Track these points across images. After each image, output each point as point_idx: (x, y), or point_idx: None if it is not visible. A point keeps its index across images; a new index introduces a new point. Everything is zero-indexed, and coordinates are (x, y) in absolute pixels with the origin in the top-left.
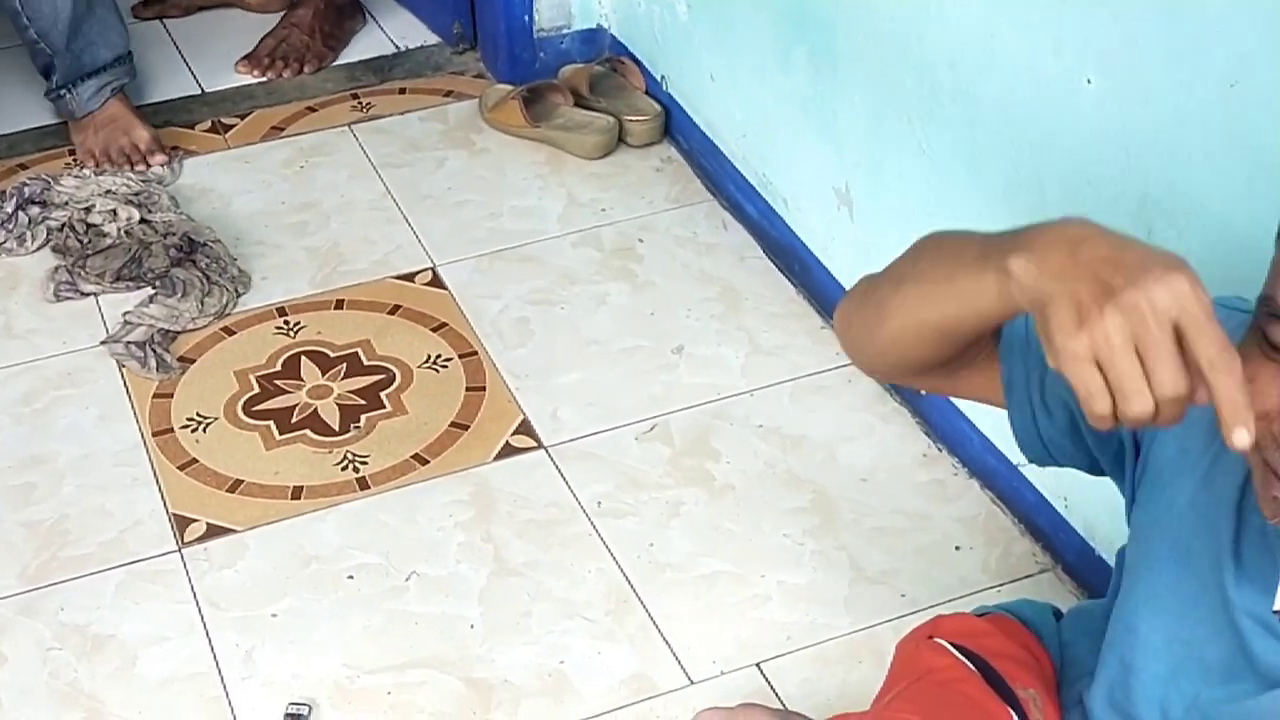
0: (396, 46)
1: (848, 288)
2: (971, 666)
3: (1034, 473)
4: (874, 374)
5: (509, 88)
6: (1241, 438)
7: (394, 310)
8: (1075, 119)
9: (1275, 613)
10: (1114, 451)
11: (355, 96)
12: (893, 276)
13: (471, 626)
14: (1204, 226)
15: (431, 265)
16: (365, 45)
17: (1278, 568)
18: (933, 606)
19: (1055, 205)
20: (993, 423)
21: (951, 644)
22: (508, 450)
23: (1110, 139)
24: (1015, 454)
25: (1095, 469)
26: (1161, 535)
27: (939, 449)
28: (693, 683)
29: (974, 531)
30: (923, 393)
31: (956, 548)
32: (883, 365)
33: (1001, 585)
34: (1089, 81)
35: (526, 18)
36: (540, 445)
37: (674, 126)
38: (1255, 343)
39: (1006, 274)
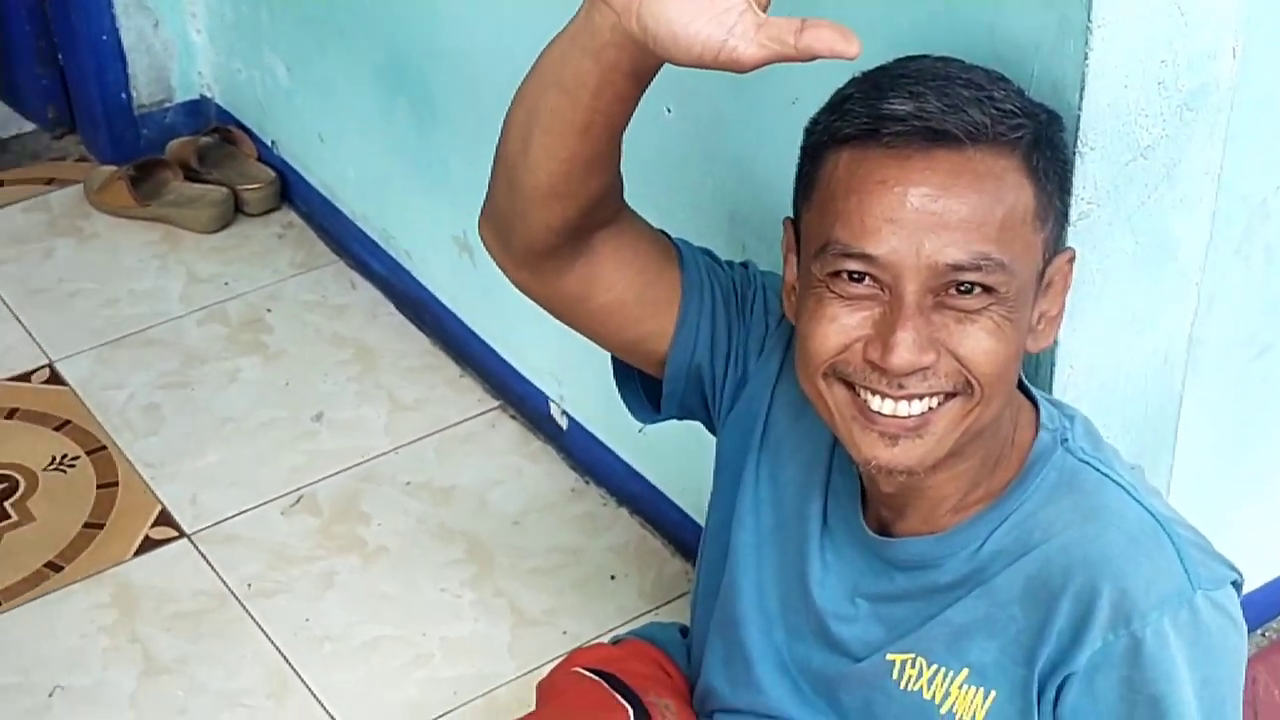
0: None
1: (478, 332)
2: (601, 681)
3: (677, 492)
4: (521, 251)
5: (114, 168)
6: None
7: (11, 414)
8: (662, 147)
9: None
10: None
11: None
12: (515, 99)
13: None
14: None
15: (48, 362)
16: None
17: (852, 558)
18: (594, 638)
19: None
20: (634, 447)
21: (588, 670)
22: (148, 544)
23: (695, 164)
24: (660, 478)
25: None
26: (769, 512)
27: (586, 481)
28: None
29: (627, 559)
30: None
31: (612, 577)
32: (527, 210)
33: (658, 608)
34: (668, 110)
35: (124, 95)
36: (182, 534)
37: (291, 191)
38: (822, 292)
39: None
